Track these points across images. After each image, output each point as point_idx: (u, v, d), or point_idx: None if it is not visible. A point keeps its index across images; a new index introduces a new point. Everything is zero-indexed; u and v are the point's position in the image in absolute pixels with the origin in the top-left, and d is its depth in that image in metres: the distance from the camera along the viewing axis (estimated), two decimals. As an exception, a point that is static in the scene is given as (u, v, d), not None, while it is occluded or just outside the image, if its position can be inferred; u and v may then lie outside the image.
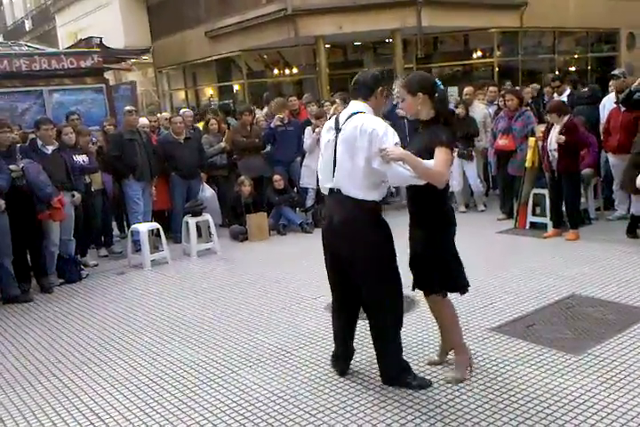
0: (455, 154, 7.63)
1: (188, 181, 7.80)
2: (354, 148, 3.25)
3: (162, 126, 8.89)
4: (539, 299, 4.73)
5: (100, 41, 11.43)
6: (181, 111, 9.06)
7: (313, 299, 5.11)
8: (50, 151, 6.25)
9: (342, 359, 3.70)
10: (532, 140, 6.98)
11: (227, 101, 17.00)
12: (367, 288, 3.39)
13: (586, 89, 8.68)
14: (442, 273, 3.44)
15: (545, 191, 6.82)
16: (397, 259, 3.42)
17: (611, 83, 7.53)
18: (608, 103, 7.25)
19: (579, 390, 3.30)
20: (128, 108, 7.71)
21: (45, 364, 4.25)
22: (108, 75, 11.92)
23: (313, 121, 8.03)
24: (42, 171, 5.88)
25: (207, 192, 8.00)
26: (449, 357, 3.71)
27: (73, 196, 6.36)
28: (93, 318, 5.15)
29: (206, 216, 7.21)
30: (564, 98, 8.41)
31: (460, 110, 7.81)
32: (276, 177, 8.04)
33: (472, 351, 3.79)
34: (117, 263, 7.04)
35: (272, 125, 8.32)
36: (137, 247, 6.89)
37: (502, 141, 7.47)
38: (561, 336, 4.01)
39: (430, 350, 3.91)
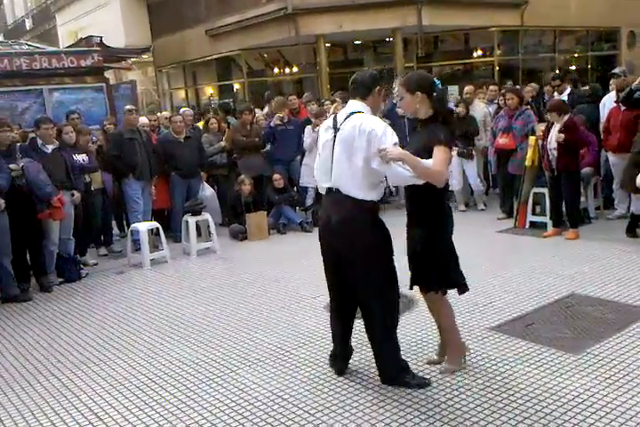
0: (455, 153, 7.63)
1: (188, 180, 7.80)
2: (352, 147, 3.25)
3: (162, 125, 8.89)
4: (538, 298, 4.73)
5: (101, 40, 11.43)
6: (181, 110, 9.05)
7: (312, 298, 5.11)
8: (50, 150, 6.25)
9: (341, 359, 3.69)
10: (532, 139, 6.97)
11: (227, 100, 16.98)
12: (364, 288, 3.39)
13: (587, 88, 8.67)
14: (440, 271, 3.45)
15: (545, 190, 6.81)
16: (395, 258, 3.42)
17: (611, 81, 7.53)
18: (608, 102, 7.24)
19: (578, 390, 3.30)
20: (128, 107, 7.71)
21: (44, 363, 4.25)
22: (108, 74, 11.92)
23: (313, 120, 8.03)
24: (42, 170, 5.88)
25: (207, 191, 8.00)
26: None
27: (73, 195, 6.36)
28: (93, 318, 5.16)
29: (206, 215, 7.20)
30: (565, 97, 8.41)
31: (460, 109, 7.81)
32: (276, 176, 8.04)
33: (471, 350, 3.79)
34: (117, 262, 7.04)
35: (272, 124, 8.32)
36: (136, 246, 6.89)
37: (502, 140, 7.47)
38: (560, 335, 4.01)
39: (429, 350, 3.91)
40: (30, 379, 4.00)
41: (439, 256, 3.43)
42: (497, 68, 16.73)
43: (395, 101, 7.80)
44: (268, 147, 8.47)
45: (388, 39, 15.64)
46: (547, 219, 6.82)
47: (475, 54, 17.49)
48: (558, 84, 9.10)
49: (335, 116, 3.45)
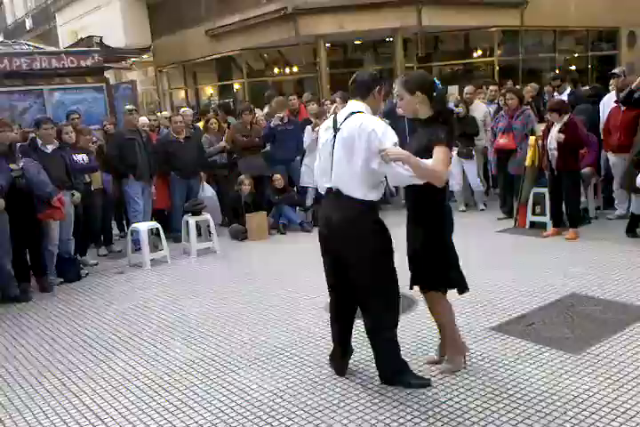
0: (455, 153, 7.64)
1: (188, 180, 7.80)
2: (352, 148, 3.25)
3: (162, 125, 8.89)
4: (538, 298, 4.73)
5: (101, 40, 11.47)
6: (181, 110, 9.06)
7: (312, 298, 5.11)
8: (50, 150, 6.25)
9: (341, 359, 3.69)
10: (532, 139, 6.98)
11: (227, 100, 16.99)
12: (364, 288, 3.39)
13: (587, 88, 8.67)
14: (440, 271, 3.45)
15: (545, 190, 6.81)
16: (395, 258, 3.42)
17: (611, 81, 7.53)
18: (608, 102, 7.24)
19: (578, 389, 3.30)
20: (128, 107, 7.72)
21: (44, 363, 4.25)
22: (108, 74, 11.92)
23: (313, 120, 8.03)
24: (42, 170, 5.88)
25: (207, 191, 8.02)
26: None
27: (73, 195, 6.37)
28: (93, 318, 5.15)
29: (206, 215, 7.21)
30: (565, 97, 8.41)
31: (460, 109, 7.81)
32: (276, 176, 8.04)
33: (471, 350, 3.79)
34: (117, 262, 7.04)
35: (272, 125, 8.33)
36: (137, 246, 6.90)
37: (502, 140, 7.47)
38: (560, 335, 4.01)
39: (429, 350, 3.91)
40: (30, 379, 4.00)
41: (439, 256, 3.43)
42: (497, 68, 16.72)
43: (395, 101, 7.80)
44: (268, 147, 8.47)
45: (387, 39, 15.63)
46: (547, 219, 6.82)
47: (475, 54, 17.49)
48: (558, 84, 9.10)
49: (335, 117, 3.45)
